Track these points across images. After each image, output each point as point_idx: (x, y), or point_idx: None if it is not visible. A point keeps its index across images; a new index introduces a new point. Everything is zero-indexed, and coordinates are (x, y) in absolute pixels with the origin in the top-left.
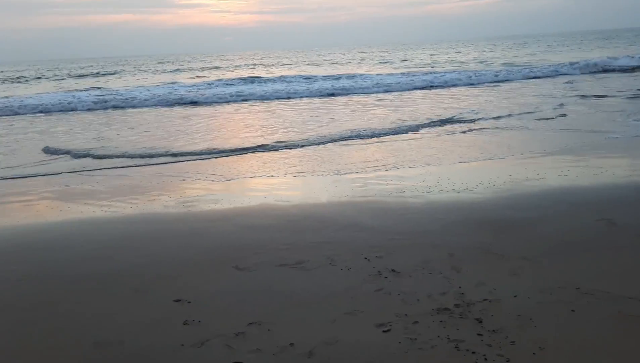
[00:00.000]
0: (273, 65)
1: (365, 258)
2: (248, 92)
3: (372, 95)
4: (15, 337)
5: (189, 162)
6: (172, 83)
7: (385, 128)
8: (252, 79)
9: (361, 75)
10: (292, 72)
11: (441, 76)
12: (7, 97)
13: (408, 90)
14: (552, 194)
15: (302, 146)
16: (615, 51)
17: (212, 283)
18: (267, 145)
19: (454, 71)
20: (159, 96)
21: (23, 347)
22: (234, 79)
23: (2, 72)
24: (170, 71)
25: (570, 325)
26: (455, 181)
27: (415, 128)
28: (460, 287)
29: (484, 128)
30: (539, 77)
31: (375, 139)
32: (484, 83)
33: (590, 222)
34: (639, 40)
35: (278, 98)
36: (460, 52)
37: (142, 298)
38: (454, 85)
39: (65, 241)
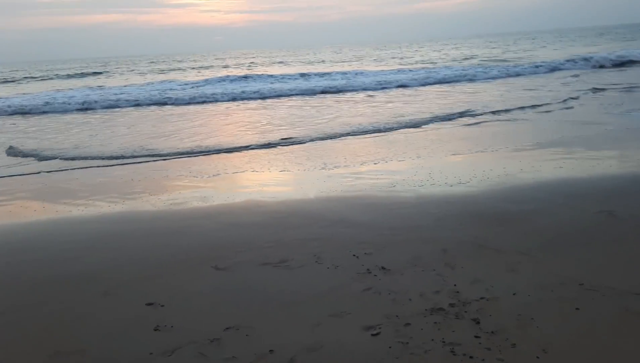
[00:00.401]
0: (273, 63)
1: (354, 255)
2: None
3: (393, 90)
4: None
5: (172, 160)
6: (161, 82)
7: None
8: (272, 77)
9: (372, 72)
10: (306, 70)
11: (455, 70)
12: None
13: (423, 86)
14: (548, 187)
15: (309, 141)
16: (612, 46)
17: (188, 285)
18: (273, 142)
19: (470, 67)
20: (143, 95)
21: None
22: (253, 76)
23: None
24: (161, 71)
25: (575, 324)
26: (448, 175)
27: (429, 121)
28: (455, 285)
29: (508, 120)
30: (544, 72)
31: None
32: (496, 78)
33: (589, 214)
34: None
35: (299, 94)
36: (457, 50)
37: (111, 302)
38: (471, 80)
39: (36, 243)
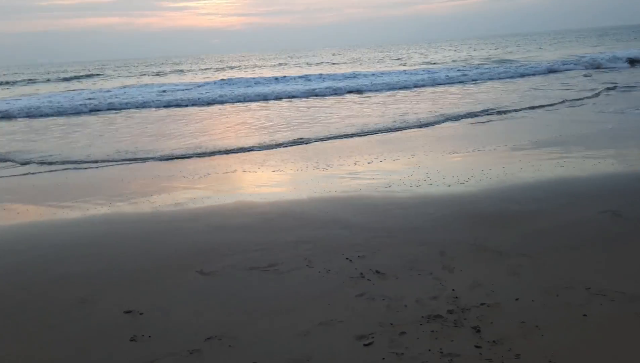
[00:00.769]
0: (280, 65)
1: (347, 258)
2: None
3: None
4: None
5: (164, 162)
6: (161, 84)
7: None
8: (308, 76)
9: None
10: (332, 71)
11: (470, 70)
12: None
13: (442, 85)
14: (549, 186)
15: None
16: (611, 47)
17: (170, 291)
18: (282, 142)
19: (485, 66)
20: (141, 98)
21: None
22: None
23: None
24: (167, 73)
25: (583, 332)
26: (446, 174)
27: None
28: (453, 290)
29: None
30: (559, 70)
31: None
32: (514, 77)
33: (593, 214)
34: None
35: (330, 94)
36: (459, 51)
37: (88, 310)
38: (490, 79)
39: (16, 246)
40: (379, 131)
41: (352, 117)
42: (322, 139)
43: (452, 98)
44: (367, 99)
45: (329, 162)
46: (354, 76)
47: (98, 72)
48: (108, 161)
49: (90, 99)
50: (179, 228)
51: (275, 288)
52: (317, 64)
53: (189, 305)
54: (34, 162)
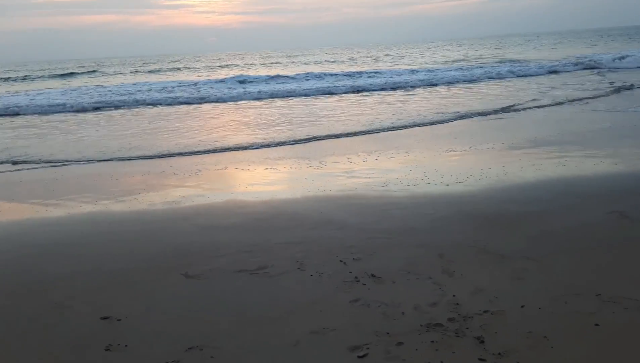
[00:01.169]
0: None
1: (341, 261)
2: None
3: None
4: None
5: (156, 159)
6: (175, 81)
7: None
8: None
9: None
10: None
11: (490, 68)
12: None
13: (470, 82)
14: (552, 186)
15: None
16: (611, 48)
17: (152, 295)
18: (283, 141)
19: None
20: (135, 96)
21: None
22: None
23: None
24: (174, 69)
25: (596, 343)
26: (444, 173)
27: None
28: (454, 296)
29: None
30: (565, 71)
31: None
32: (537, 75)
33: (599, 215)
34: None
35: (352, 91)
36: (459, 50)
37: (63, 315)
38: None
39: None
40: (383, 129)
41: (363, 114)
42: (319, 138)
43: (448, 98)
44: (366, 97)
45: (324, 160)
46: (352, 75)
47: (94, 69)
48: (93, 159)
49: (84, 95)
50: (165, 228)
51: (264, 293)
52: (316, 63)
53: (170, 311)
54: (21, 160)
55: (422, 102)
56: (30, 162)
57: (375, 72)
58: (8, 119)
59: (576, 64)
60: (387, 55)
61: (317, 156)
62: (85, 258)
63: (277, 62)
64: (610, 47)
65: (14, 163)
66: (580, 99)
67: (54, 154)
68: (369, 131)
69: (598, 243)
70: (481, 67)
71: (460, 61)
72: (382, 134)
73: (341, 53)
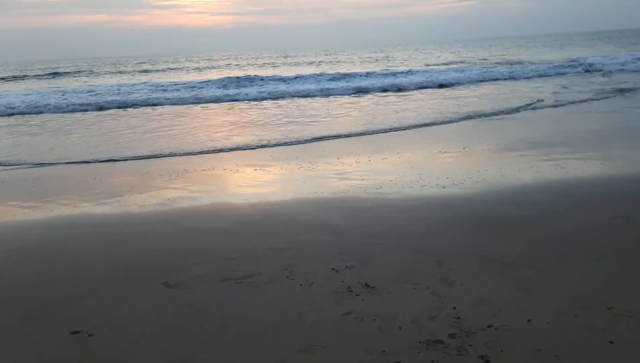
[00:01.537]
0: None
1: (333, 268)
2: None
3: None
4: None
5: (143, 160)
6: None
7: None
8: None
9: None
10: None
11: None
12: None
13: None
14: (552, 189)
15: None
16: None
17: (127, 307)
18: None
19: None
20: (123, 96)
21: None
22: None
23: None
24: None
25: None
26: (440, 175)
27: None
28: (454, 308)
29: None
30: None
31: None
32: (537, 77)
33: (603, 220)
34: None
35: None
36: (453, 52)
37: (29, 329)
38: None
39: None
40: (377, 130)
41: (357, 115)
42: (312, 139)
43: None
44: (359, 98)
45: (316, 161)
46: (345, 76)
47: (84, 69)
48: (76, 160)
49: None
50: (147, 232)
51: (249, 304)
52: (309, 63)
53: (146, 325)
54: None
55: (417, 103)
56: (8, 164)
57: (369, 73)
58: None
59: (576, 66)
60: (383, 56)
61: (309, 157)
62: (59, 265)
63: (269, 63)
64: (605, 50)
65: None
66: (580, 101)
67: (36, 155)
68: (363, 133)
69: (604, 249)
70: (482, 68)
71: (457, 62)
72: (376, 135)
73: (334, 54)
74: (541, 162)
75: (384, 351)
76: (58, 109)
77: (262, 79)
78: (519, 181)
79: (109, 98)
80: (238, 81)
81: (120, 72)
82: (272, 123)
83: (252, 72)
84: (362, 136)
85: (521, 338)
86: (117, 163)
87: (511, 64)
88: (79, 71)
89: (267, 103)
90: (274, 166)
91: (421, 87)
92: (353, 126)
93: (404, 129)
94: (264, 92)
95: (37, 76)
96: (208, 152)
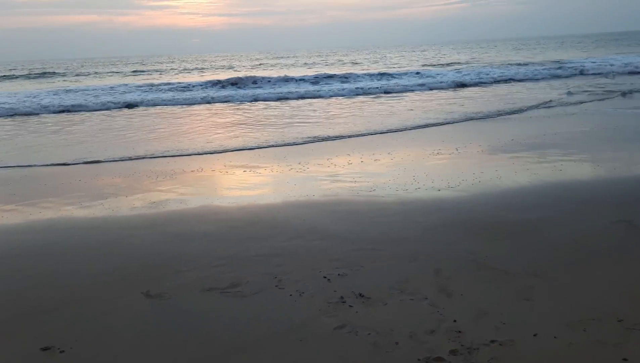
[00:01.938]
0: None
1: (325, 277)
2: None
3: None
4: None
5: (127, 162)
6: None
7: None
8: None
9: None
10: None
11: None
12: None
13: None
14: (550, 192)
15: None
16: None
17: (104, 320)
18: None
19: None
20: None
21: None
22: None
23: None
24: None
25: None
26: (434, 177)
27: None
28: (454, 321)
29: None
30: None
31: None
32: (536, 78)
33: (606, 224)
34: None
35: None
36: (450, 55)
37: None
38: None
39: None
40: (371, 132)
41: (352, 116)
42: (303, 141)
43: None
44: (354, 99)
45: (307, 163)
46: (339, 77)
47: (73, 69)
48: (60, 162)
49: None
50: (130, 237)
51: (235, 316)
52: (302, 65)
53: (123, 341)
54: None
55: (410, 104)
56: None
57: (362, 75)
58: None
59: (575, 68)
60: (376, 58)
61: (300, 158)
62: (36, 272)
63: (261, 64)
64: (598, 53)
65: None
66: (581, 102)
67: (18, 156)
68: (355, 134)
69: (608, 256)
70: (477, 70)
71: (451, 64)
72: (368, 136)
73: (327, 55)
74: (537, 164)
75: None
76: (44, 109)
77: (254, 81)
78: (515, 183)
79: (98, 99)
80: (230, 82)
81: (110, 72)
82: (264, 124)
83: (244, 73)
84: (354, 138)
85: (528, 355)
86: (103, 164)
87: (506, 65)
88: (68, 71)
89: (259, 104)
90: (265, 168)
91: (414, 88)
92: (345, 127)
93: (398, 131)
94: (256, 93)
95: (25, 76)
96: (197, 153)
